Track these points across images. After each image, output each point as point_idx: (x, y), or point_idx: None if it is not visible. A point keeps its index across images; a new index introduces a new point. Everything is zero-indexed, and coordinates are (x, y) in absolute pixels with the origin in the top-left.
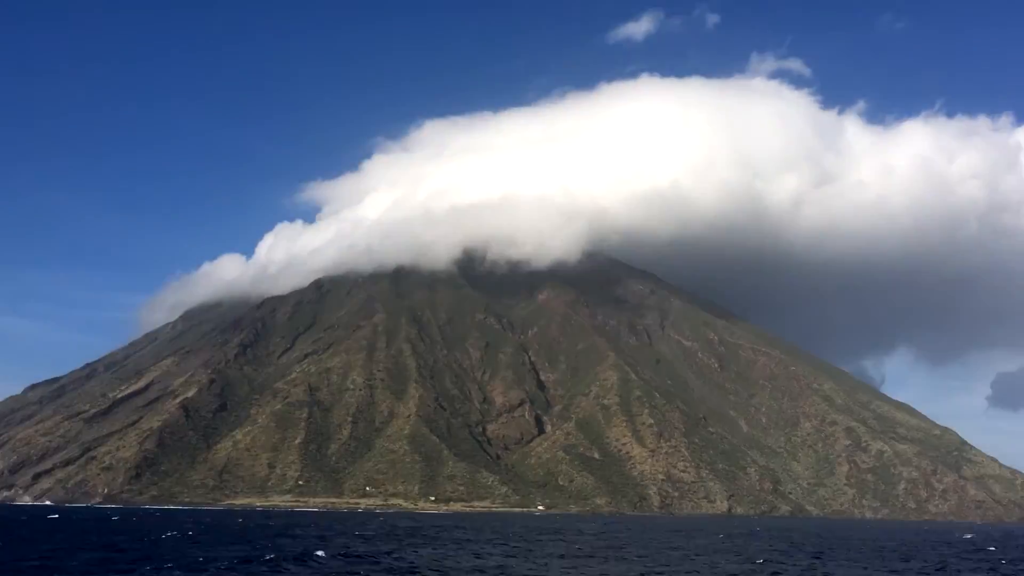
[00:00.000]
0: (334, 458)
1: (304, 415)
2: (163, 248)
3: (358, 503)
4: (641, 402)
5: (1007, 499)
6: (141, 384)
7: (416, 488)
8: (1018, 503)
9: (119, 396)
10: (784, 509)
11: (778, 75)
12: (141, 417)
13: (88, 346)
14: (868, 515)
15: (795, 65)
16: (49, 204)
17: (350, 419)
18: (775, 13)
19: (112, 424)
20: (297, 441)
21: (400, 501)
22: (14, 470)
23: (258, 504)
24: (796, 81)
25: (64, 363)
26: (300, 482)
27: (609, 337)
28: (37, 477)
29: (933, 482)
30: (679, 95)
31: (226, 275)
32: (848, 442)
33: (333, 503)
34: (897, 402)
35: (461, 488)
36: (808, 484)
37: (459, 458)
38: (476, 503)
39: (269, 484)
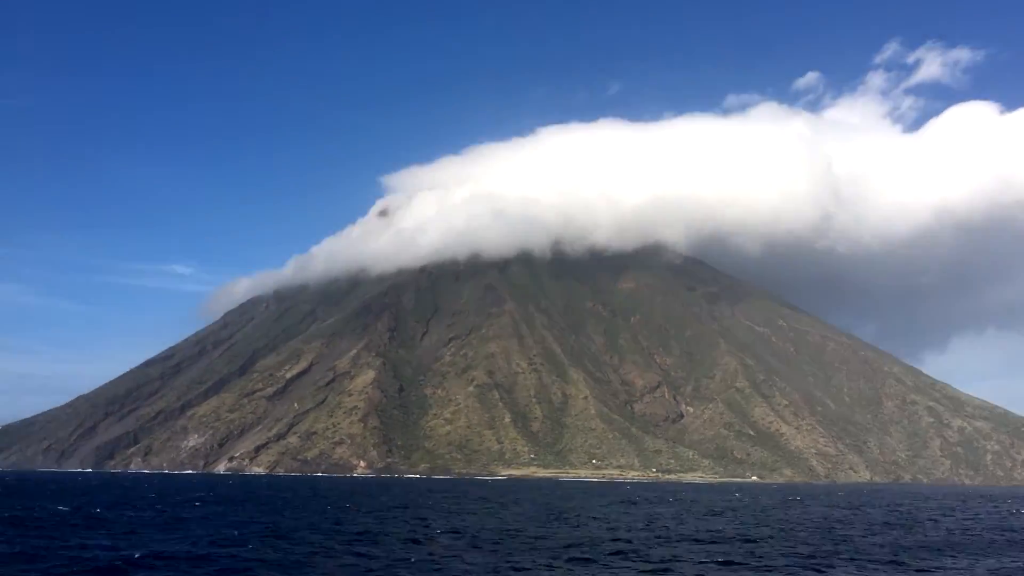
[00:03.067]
0: (540, 435)
1: (497, 397)
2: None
3: (623, 475)
4: (768, 384)
5: None
6: (303, 365)
7: (635, 461)
8: None
9: (289, 376)
10: (906, 478)
11: None
12: (326, 396)
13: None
14: (967, 482)
15: None
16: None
17: (534, 400)
18: None
19: (302, 402)
20: (506, 420)
21: (635, 473)
22: (221, 443)
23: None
24: None
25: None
26: (531, 456)
27: (703, 323)
28: (259, 450)
29: (1013, 453)
30: None
31: (313, 259)
32: (931, 419)
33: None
34: (951, 387)
35: (672, 461)
36: (906, 456)
37: (652, 435)
38: (690, 474)
39: (506, 458)
